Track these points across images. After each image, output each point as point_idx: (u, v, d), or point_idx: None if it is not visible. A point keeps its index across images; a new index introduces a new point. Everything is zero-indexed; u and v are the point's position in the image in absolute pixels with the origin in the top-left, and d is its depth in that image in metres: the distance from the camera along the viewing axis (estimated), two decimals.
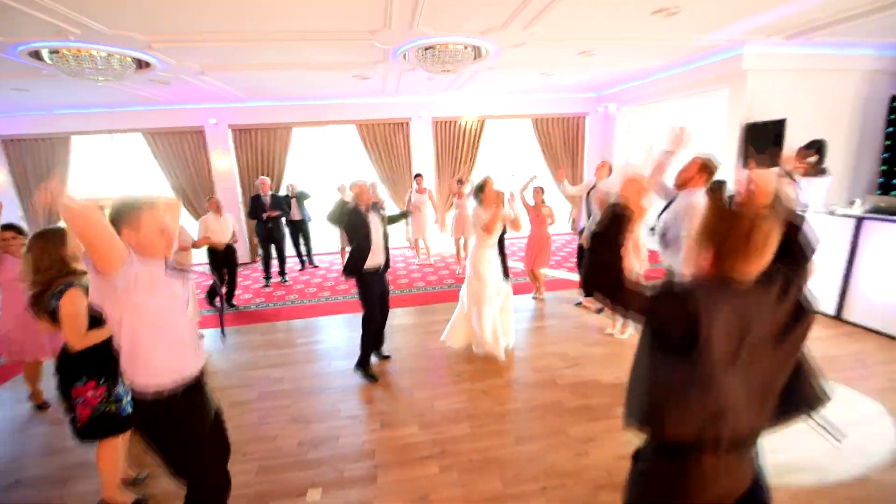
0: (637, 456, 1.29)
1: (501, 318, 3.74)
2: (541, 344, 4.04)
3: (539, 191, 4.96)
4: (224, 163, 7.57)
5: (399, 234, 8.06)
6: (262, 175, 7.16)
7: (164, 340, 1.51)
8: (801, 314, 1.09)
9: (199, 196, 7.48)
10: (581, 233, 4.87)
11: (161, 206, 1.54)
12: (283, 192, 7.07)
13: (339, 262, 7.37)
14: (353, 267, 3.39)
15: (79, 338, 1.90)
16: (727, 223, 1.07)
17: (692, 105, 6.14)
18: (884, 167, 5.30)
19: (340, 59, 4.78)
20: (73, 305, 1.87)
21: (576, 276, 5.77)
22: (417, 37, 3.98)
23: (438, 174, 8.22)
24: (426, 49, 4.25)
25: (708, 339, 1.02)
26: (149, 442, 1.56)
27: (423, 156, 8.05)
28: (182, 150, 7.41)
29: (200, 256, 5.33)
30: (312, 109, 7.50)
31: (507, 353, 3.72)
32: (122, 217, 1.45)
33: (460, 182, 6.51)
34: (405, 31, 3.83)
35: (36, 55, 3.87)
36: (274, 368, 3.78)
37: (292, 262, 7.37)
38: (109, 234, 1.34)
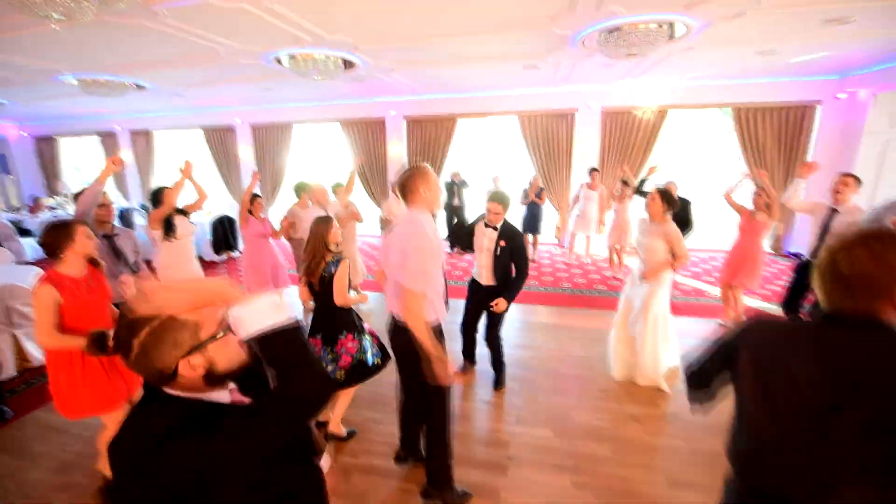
0: None
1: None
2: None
3: (762, 192, 4.00)
4: (397, 150, 8.50)
5: (548, 230, 7.76)
6: (425, 162, 7.80)
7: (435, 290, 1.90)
8: None
9: (375, 178, 8.62)
10: (801, 265, 3.64)
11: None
12: (447, 180, 7.69)
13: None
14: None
15: (344, 298, 2.45)
16: None
17: None
18: None
19: (513, 50, 4.76)
20: (344, 273, 2.44)
21: (774, 307, 4.59)
22: (605, 17, 3.65)
23: (602, 170, 7.55)
24: (610, 32, 3.89)
25: None
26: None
27: (585, 150, 7.52)
28: (366, 137, 8.60)
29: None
30: (477, 101, 7.76)
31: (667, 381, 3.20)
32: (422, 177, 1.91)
33: (624, 183, 5.86)
34: (591, 13, 3.56)
35: (278, 61, 4.93)
36: None
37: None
38: None
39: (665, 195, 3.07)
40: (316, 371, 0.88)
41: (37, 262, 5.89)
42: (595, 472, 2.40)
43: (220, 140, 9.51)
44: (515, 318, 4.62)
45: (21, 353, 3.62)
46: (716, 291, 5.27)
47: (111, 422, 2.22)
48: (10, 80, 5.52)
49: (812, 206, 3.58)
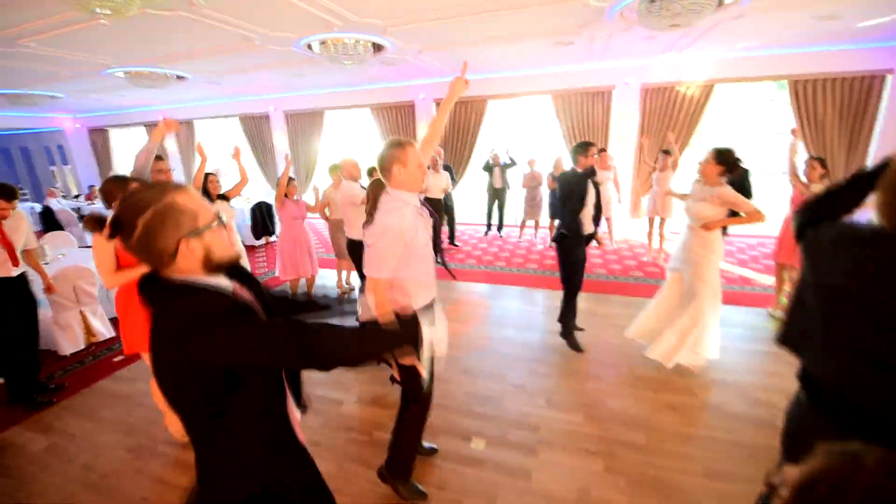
0: None
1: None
2: (766, 373, 3.16)
3: (816, 164, 3.72)
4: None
5: None
6: (439, 147, 7.67)
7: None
8: None
9: None
10: None
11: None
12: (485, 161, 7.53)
13: (515, 235, 7.49)
14: (570, 233, 3.36)
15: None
16: None
17: None
18: None
19: (545, 26, 4.56)
20: None
21: None
22: None
23: (640, 150, 7.21)
24: (651, 1, 3.64)
25: None
26: None
27: (623, 129, 7.18)
28: (396, 122, 8.59)
29: None
30: (507, 81, 7.53)
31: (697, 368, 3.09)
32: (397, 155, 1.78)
33: (666, 153, 5.60)
34: None
35: (309, 47, 4.96)
36: (451, 322, 4.14)
37: (470, 230, 7.88)
38: None
39: (721, 155, 2.76)
40: (343, 340, 1.01)
41: None
42: (628, 458, 2.38)
43: (255, 127, 9.79)
44: (547, 304, 4.58)
45: (88, 329, 3.96)
46: (764, 280, 5.01)
47: None
48: (62, 74, 5.86)
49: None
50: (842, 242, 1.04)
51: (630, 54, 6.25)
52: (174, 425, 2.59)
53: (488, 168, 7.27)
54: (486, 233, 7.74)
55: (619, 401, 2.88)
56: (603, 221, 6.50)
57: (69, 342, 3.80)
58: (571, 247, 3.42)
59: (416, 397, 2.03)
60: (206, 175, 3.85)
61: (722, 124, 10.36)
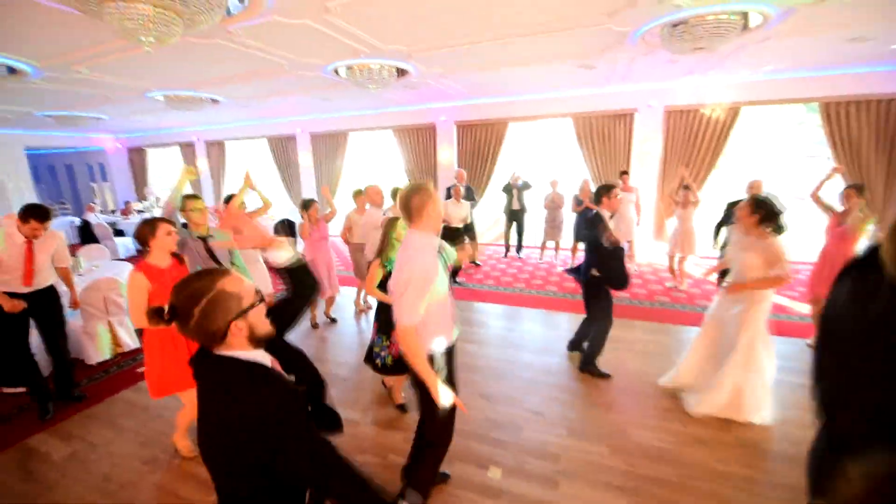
0: None
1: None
2: (806, 408, 2.95)
3: (852, 193, 3.56)
4: (447, 155, 8.57)
5: None
6: (461, 168, 7.75)
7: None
8: None
9: None
10: None
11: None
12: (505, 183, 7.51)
13: (535, 257, 7.41)
14: (609, 277, 3.27)
15: (370, 289, 2.81)
16: None
17: None
18: None
19: (567, 49, 4.61)
20: (372, 269, 2.82)
21: None
22: (669, 11, 3.44)
23: (663, 174, 7.10)
24: (675, 25, 3.65)
25: None
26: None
27: (647, 151, 7.11)
28: (416, 143, 8.75)
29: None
30: (529, 103, 7.62)
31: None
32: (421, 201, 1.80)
33: (686, 188, 5.46)
34: (653, 7, 3.37)
35: (336, 72, 5.16)
36: (469, 343, 4.08)
37: (490, 250, 7.84)
38: None
39: (758, 204, 2.62)
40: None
41: (128, 259, 6.60)
42: (656, 495, 2.23)
43: (282, 148, 10.15)
44: (567, 327, 4.46)
45: (115, 339, 4.07)
46: (802, 308, 4.76)
47: (188, 401, 2.52)
48: (108, 97, 6.26)
49: None
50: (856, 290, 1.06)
51: (653, 77, 6.25)
52: (181, 442, 2.64)
53: (507, 190, 7.27)
54: (506, 254, 7.69)
55: (644, 432, 2.73)
56: (625, 245, 6.42)
57: (97, 351, 3.91)
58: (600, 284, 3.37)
59: (441, 440, 1.98)
60: (231, 196, 3.96)
61: (749, 147, 10.14)
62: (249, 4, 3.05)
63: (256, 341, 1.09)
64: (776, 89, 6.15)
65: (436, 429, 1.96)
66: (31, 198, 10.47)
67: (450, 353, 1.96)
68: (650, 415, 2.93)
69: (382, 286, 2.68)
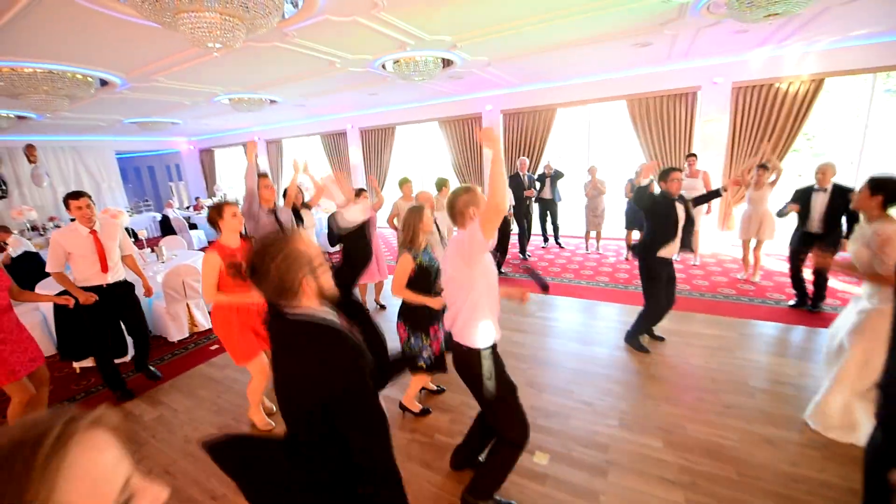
0: None
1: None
2: None
3: None
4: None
5: None
6: (523, 156, 7.64)
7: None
8: None
9: (470, 175, 8.74)
10: None
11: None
12: (539, 172, 7.40)
13: (583, 248, 7.17)
14: (648, 252, 3.43)
15: (398, 290, 2.46)
16: None
17: None
18: None
19: (621, 26, 4.36)
20: (401, 264, 2.42)
21: None
22: None
23: (731, 156, 6.51)
24: None
25: None
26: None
27: (711, 132, 6.58)
28: (462, 134, 8.73)
29: None
30: (578, 88, 7.33)
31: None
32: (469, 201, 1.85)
33: (763, 167, 4.93)
34: None
35: (383, 67, 5.27)
36: (515, 332, 4.06)
37: (537, 241, 7.69)
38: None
39: (878, 184, 2.26)
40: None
41: (201, 249, 7.25)
42: (715, 493, 2.11)
43: (334, 144, 10.59)
44: (620, 319, 4.30)
45: (192, 319, 4.54)
46: None
47: (256, 372, 2.76)
48: (183, 103, 6.87)
49: None
50: None
51: (718, 51, 5.75)
52: (257, 416, 2.88)
53: (540, 179, 7.10)
54: (545, 244, 7.57)
55: (702, 428, 2.59)
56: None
57: (177, 330, 4.37)
58: (651, 264, 3.47)
59: (520, 442, 1.99)
60: (285, 190, 4.18)
61: (831, 123, 8.99)
62: (303, 6, 3.21)
63: (325, 298, 1.18)
64: (866, 57, 5.41)
65: (516, 428, 1.97)
66: (121, 196, 11.80)
67: (495, 350, 1.96)
68: (709, 410, 2.76)
69: (411, 285, 2.44)
